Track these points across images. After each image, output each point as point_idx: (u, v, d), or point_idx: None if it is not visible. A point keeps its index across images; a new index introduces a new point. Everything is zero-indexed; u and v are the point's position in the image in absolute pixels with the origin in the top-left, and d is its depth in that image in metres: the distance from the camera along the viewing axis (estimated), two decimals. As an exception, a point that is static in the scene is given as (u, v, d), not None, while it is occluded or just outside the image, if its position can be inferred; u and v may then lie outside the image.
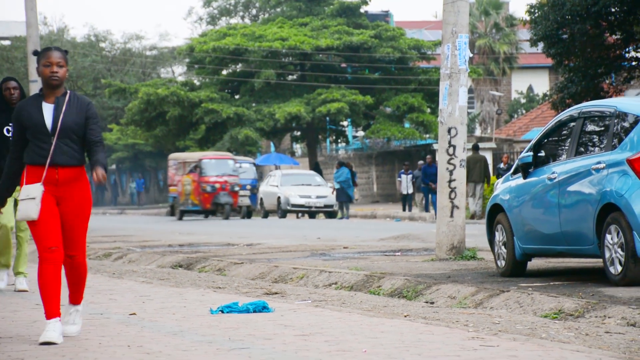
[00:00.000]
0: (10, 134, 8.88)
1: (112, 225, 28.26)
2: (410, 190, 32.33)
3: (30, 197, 6.35)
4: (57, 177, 6.41)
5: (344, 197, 33.36)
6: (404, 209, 32.41)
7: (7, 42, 73.50)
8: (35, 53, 6.59)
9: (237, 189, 34.37)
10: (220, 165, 34.65)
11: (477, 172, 27.01)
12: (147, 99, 44.70)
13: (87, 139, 6.46)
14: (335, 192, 33.76)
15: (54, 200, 6.41)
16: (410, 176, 32.33)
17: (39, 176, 6.41)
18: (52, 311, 6.30)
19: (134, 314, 7.78)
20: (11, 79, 9.40)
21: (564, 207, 9.14)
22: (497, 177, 26.79)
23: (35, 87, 22.61)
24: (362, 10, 46.08)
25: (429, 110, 43.25)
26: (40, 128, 6.41)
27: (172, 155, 37.69)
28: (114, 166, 63.52)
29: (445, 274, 10.15)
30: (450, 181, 12.01)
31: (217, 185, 33.88)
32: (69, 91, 6.50)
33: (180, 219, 34.49)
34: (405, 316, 7.65)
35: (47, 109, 6.46)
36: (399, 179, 33.53)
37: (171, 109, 44.68)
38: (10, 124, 8.89)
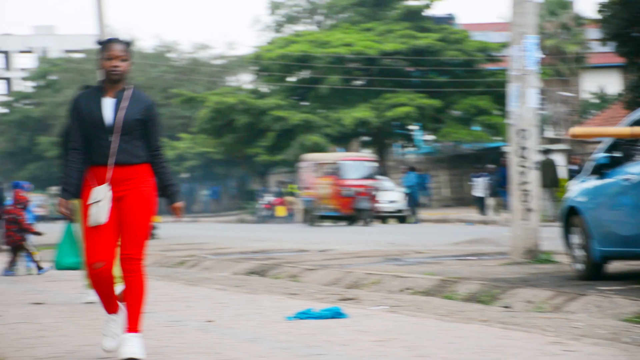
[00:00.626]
0: None
1: (185, 233, 28.49)
2: (485, 193, 31.97)
3: (97, 200, 5.93)
4: (118, 176, 5.98)
5: (412, 202, 33.25)
6: (479, 213, 32.11)
7: (80, 55, 74.69)
8: (98, 44, 6.14)
9: (376, 193, 32.08)
10: (360, 168, 32.35)
11: (548, 177, 26.72)
12: (216, 108, 45.04)
13: (149, 144, 6.04)
14: (405, 197, 33.67)
15: (115, 203, 5.98)
16: (484, 179, 31.96)
17: (101, 177, 5.98)
18: (112, 308, 6.18)
19: (211, 321, 7.81)
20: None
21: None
22: (569, 179, 26.46)
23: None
24: (426, 14, 45.89)
25: (497, 112, 42.90)
26: (100, 124, 5.96)
27: (307, 156, 35.59)
28: (186, 174, 64.05)
29: (521, 277, 10.03)
30: (522, 183, 11.88)
31: (357, 189, 31.48)
32: (132, 86, 6.07)
33: (312, 224, 32.47)
34: (482, 321, 7.57)
35: (107, 104, 6.01)
36: (472, 182, 33.29)
37: (240, 117, 44.94)
38: None
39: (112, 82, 6.01)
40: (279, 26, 60.31)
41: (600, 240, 9.63)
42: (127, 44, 6.04)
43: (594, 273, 9.79)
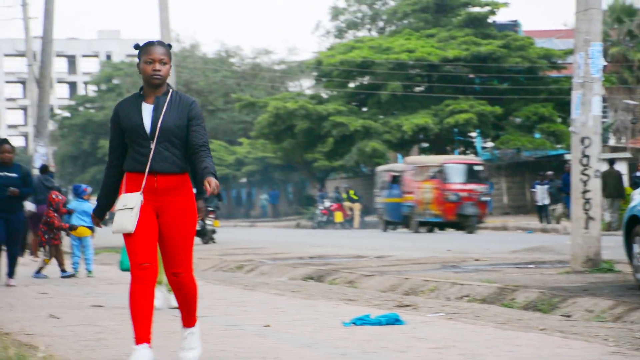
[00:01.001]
0: None
1: (243, 238, 28.62)
2: (547, 201, 31.57)
3: (127, 207, 5.67)
4: (156, 185, 5.70)
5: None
6: (540, 221, 31.76)
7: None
8: (137, 47, 5.88)
9: (484, 199, 30.27)
10: (466, 171, 30.38)
11: (613, 187, 26.37)
12: (276, 113, 45.21)
13: (191, 142, 5.72)
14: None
15: (152, 211, 5.72)
16: (546, 186, 31.52)
17: (137, 184, 5.73)
18: (140, 336, 5.66)
19: (268, 325, 7.83)
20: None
21: None
22: (633, 187, 26.09)
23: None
24: (490, 21, 45.62)
25: (559, 120, 42.49)
26: (139, 131, 5.73)
27: (410, 159, 33.86)
28: (244, 179, 64.38)
29: (581, 286, 9.91)
30: (584, 192, 11.75)
31: (463, 194, 29.72)
32: (171, 90, 5.80)
33: (416, 231, 30.96)
34: (541, 329, 7.49)
35: (147, 110, 5.76)
36: (533, 189, 32.91)
37: (300, 122, 45.06)
38: None
39: (153, 87, 5.78)
40: (340, 32, 60.39)
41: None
42: (168, 46, 5.83)
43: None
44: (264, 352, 6.40)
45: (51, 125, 67.89)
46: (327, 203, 41.50)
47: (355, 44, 46.57)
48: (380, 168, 35.63)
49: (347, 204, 40.74)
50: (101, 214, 6.00)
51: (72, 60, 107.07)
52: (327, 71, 46.16)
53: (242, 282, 12.65)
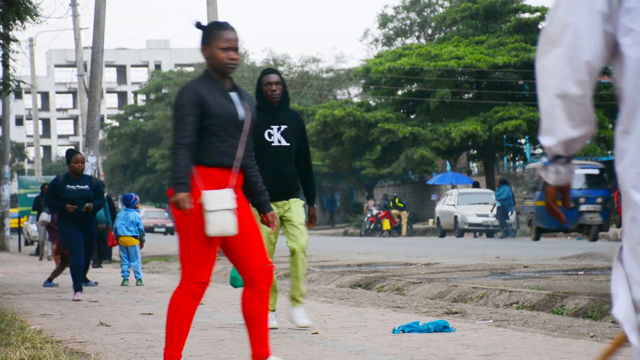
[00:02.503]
0: (271, 139, 7.78)
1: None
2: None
3: (225, 207, 5.10)
4: (237, 182, 5.26)
5: (504, 216, 32.84)
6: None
7: (190, 69, 76.04)
8: (200, 26, 5.28)
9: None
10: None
11: None
12: (324, 121, 45.30)
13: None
14: (496, 210, 33.28)
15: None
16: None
17: (222, 181, 5.18)
18: (176, 354, 5.26)
19: (317, 333, 7.85)
20: (273, 71, 7.85)
21: None
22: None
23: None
24: (540, 26, 45.37)
25: (610, 126, 42.13)
26: (234, 120, 5.19)
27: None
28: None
29: (632, 294, 9.82)
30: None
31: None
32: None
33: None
34: (591, 336, 7.43)
35: (235, 98, 5.26)
36: None
37: (347, 130, 45.11)
38: (273, 127, 7.78)
39: (224, 75, 5.24)
40: (388, 39, 60.35)
41: None
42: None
43: None
44: (313, 358, 6.43)
45: (101, 135, 68.61)
46: (374, 210, 41.48)
47: (404, 52, 46.54)
48: (531, 165, 31.52)
49: (394, 211, 40.70)
50: (188, 191, 5.11)
51: (121, 70, 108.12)
52: (375, 79, 46.17)
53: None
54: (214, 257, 5.22)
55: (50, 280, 14.53)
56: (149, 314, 9.88)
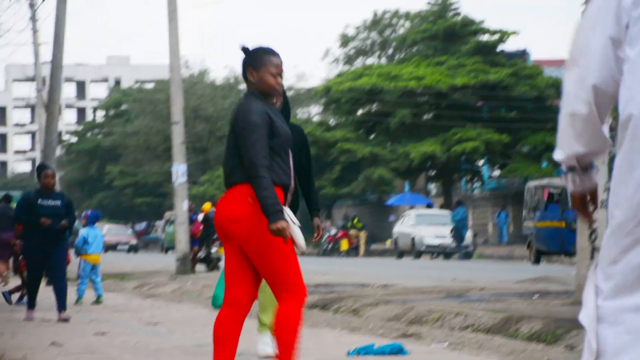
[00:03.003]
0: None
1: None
2: None
3: (296, 223, 5.25)
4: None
5: (459, 237, 33.03)
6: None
7: (150, 85, 75.82)
8: (247, 51, 5.41)
9: None
10: None
11: None
12: (284, 139, 45.30)
13: None
14: (453, 232, 33.47)
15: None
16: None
17: (282, 199, 5.31)
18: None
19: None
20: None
21: None
22: None
23: (176, 130, 23.13)
24: (499, 49, 45.77)
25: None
26: (290, 140, 5.36)
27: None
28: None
29: (585, 318, 9.88)
30: (590, 222, 11.74)
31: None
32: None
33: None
34: (544, 361, 7.47)
35: (282, 119, 5.40)
36: None
37: (307, 149, 45.14)
38: None
39: (270, 99, 5.40)
40: (349, 59, 60.59)
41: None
42: None
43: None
44: (266, 381, 6.39)
45: (58, 151, 68.14)
46: (332, 230, 41.50)
47: (364, 71, 46.74)
48: (532, 183, 29.68)
49: (353, 232, 40.74)
50: (280, 214, 5.19)
51: (81, 85, 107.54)
52: (335, 98, 46.32)
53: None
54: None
55: (21, 297, 14.39)
56: (103, 333, 9.79)
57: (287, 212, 5.15)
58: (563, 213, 25.49)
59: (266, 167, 5.12)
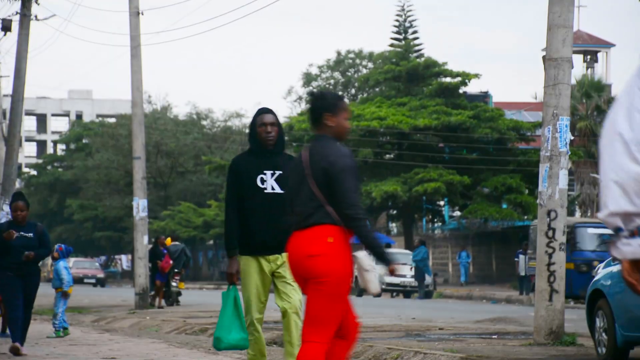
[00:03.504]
0: (264, 185, 7.11)
1: (208, 301, 28.42)
2: (526, 271, 31.27)
3: (373, 266, 5.61)
4: None
5: (420, 276, 33.09)
6: (520, 292, 31.36)
7: (112, 120, 75.62)
8: (320, 97, 5.79)
9: None
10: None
11: None
12: (246, 176, 45.27)
13: None
14: (413, 271, 33.53)
15: None
16: (526, 256, 31.04)
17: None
18: None
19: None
20: (268, 110, 7.24)
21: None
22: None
23: (138, 165, 23.07)
24: (461, 91, 46.17)
25: (527, 191, 42.85)
26: None
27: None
28: (211, 242, 64.18)
29: (543, 359, 9.95)
30: (549, 264, 11.83)
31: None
32: None
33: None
34: (502, 401, 7.49)
35: None
36: (516, 259, 32.87)
37: (269, 187, 45.14)
38: (266, 172, 7.12)
39: (340, 142, 5.87)
40: (311, 98, 60.73)
41: (623, 325, 9.55)
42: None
43: (617, 358, 9.69)
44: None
45: (18, 184, 67.58)
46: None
47: (327, 110, 46.89)
48: (535, 222, 29.12)
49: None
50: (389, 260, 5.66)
51: (41, 119, 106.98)
52: (298, 136, 46.42)
53: (205, 346, 12.58)
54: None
55: (3, 330, 14.19)
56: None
57: (365, 255, 5.46)
58: (572, 254, 24.24)
59: (364, 211, 5.48)
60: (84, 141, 72.25)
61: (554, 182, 11.91)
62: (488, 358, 9.91)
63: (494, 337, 13.18)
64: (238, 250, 7.08)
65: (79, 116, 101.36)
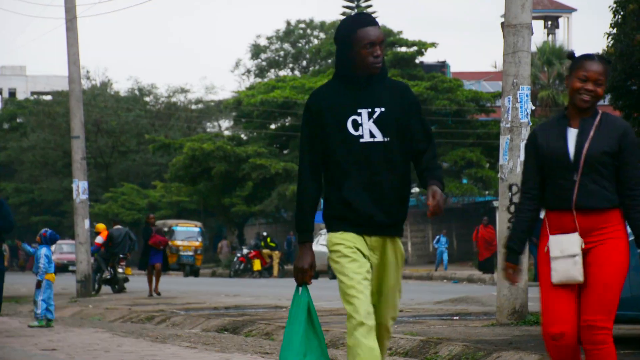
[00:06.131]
0: (358, 131, 5.13)
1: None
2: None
3: (568, 253, 5.12)
4: (583, 224, 5.15)
5: None
6: (483, 271, 31.17)
7: (48, 98, 74.86)
8: (571, 56, 5.29)
9: None
10: None
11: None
12: (192, 155, 45.12)
13: (623, 182, 5.18)
14: None
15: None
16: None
17: (566, 225, 5.16)
18: None
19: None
20: (370, 20, 5.19)
21: (634, 270, 9.02)
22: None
23: (76, 145, 22.89)
24: (417, 61, 46.28)
25: (488, 165, 43.11)
26: (560, 159, 5.18)
27: None
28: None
29: (506, 340, 10.04)
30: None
31: None
32: (600, 112, 5.25)
33: None
34: (464, 385, 7.56)
35: (572, 135, 5.21)
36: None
37: (217, 165, 45.02)
38: (361, 111, 5.15)
39: (580, 110, 5.23)
40: (261, 71, 60.67)
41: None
42: (608, 62, 5.23)
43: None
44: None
45: (-51, 166, 66.85)
46: (244, 250, 41.42)
47: (277, 84, 46.82)
48: None
49: (265, 251, 40.72)
50: (516, 259, 5.34)
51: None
52: (247, 111, 46.30)
53: (152, 334, 12.55)
54: (571, 304, 5.11)
55: None
56: (-3, 361, 9.63)
57: (562, 240, 5.19)
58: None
59: (523, 194, 5.30)
60: (18, 120, 71.45)
61: (515, 155, 11.98)
62: (449, 340, 9.99)
63: (455, 318, 13.28)
64: (312, 235, 5.22)
65: (12, 94, 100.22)
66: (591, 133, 5.15)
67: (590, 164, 5.11)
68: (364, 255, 5.07)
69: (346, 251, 5.06)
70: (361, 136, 5.11)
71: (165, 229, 41.67)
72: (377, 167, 5.08)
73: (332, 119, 5.12)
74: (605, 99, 25.18)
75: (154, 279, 22.54)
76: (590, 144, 5.13)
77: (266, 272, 40.33)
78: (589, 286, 5.09)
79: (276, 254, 41.17)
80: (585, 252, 5.12)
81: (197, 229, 44.61)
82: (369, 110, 5.14)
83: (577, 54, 5.31)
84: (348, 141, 5.10)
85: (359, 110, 5.13)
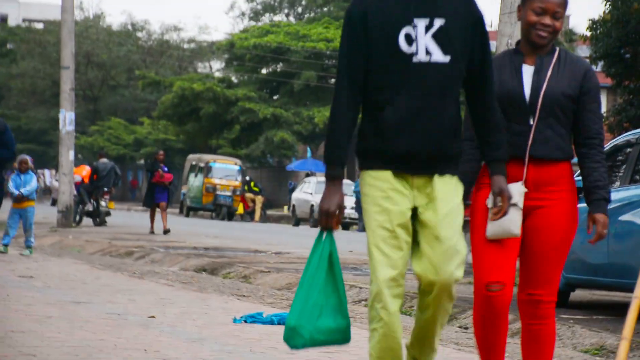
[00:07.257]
0: (412, 47, 4.10)
1: (138, 223, 28.38)
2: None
3: (512, 203, 4.36)
4: (533, 175, 4.48)
5: (361, 208, 33.24)
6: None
7: (40, 26, 74.30)
8: None
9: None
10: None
11: None
12: (182, 94, 44.99)
13: (581, 127, 4.52)
14: (354, 202, 33.60)
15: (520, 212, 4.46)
16: None
17: (513, 174, 4.43)
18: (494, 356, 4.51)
19: (153, 317, 7.82)
20: None
21: (613, 238, 9.08)
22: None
23: (66, 75, 22.76)
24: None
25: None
26: (515, 100, 4.46)
27: None
28: (142, 161, 63.90)
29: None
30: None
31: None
32: (558, 48, 4.53)
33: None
34: (437, 340, 7.61)
35: (527, 73, 4.51)
36: None
37: (205, 106, 44.91)
38: (417, 21, 4.11)
39: (535, 46, 4.51)
40: (256, 14, 60.29)
41: (566, 267, 9.67)
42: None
43: (558, 300, 9.86)
44: (147, 344, 6.40)
45: (-63, 88, 66.42)
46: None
47: (271, 29, 46.58)
48: None
49: (249, 195, 40.75)
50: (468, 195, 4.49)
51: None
52: (239, 54, 46.09)
53: (130, 269, 12.59)
54: (509, 259, 4.43)
55: None
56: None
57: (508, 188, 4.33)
58: None
59: (466, 141, 4.63)
60: (8, 46, 70.94)
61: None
62: (425, 295, 10.05)
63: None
64: (343, 170, 4.28)
65: (4, 19, 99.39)
66: (549, 72, 4.47)
67: (548, 106, 4.43)
68: (403, 199, 4.12)
69: (377, 196, 4.18)
70: (415, 54, 4.05)
71: (202, 164, 39.81)
72: (430, 93, 4.04)
73: (379, 29, 4.04)
74: (598, 65, 25.15)
75: (160, 218, 22.10)
76: (549, 84, 4.45)
77: (248, 216, 40.40)
78: (534, 254, 4.49)
79: (259, 199, 41.21)
80: (528, 211, 4.46)
81: (237, 167, 40.36)
82: (427, 21, 4.05)
83: None
84: (397, 59, 4.03)
85: (414, 20, 4.04)
